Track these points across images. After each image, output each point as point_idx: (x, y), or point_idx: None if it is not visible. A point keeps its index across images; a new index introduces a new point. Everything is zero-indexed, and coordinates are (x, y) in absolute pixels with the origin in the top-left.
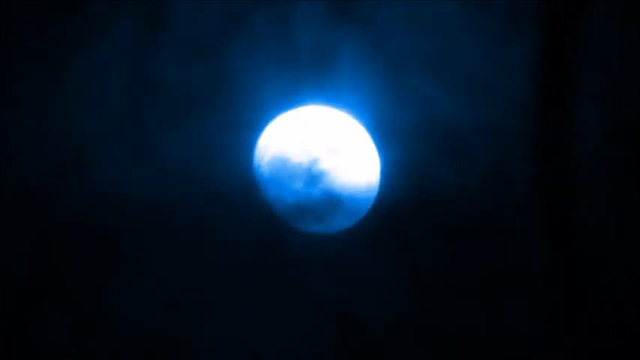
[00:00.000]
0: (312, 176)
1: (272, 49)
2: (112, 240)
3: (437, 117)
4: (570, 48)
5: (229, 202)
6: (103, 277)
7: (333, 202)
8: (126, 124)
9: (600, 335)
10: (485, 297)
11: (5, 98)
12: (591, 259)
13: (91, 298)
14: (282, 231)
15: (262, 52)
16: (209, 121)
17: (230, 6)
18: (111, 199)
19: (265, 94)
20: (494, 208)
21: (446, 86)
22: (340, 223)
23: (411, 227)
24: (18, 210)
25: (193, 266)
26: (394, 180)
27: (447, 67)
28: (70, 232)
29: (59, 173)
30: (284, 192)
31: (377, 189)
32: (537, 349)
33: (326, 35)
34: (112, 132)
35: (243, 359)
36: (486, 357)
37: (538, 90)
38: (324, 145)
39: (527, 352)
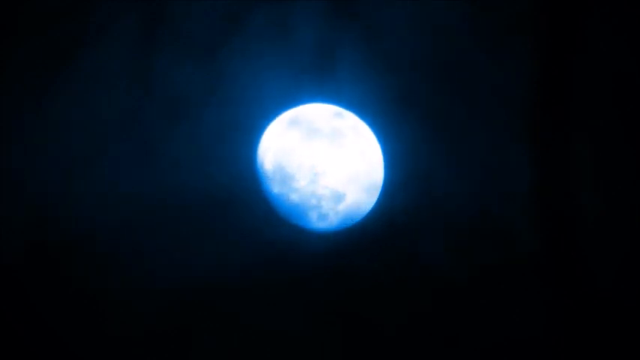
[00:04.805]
0: (314, 175)
1: (272, 48)
2: (112, 239)
3: (437, 115)
4: (570, 48)
5: (231, 202)
6: (103, 276)
7: (336, 200)
8: (126, 124)
9: (599, 334)
10: (486, 297)
11: (5, 98)
12: (591, 259)
13: (91, 297)
14: (285, 230)
15: (262, 51)
16: (210, 120)
17: (230, 6)
18: (111, 198)
19: (266, 93)
20: (495, 208)
21: (445, 86)
22: (342, 221)
23: (412, 227)
24: (18, 209)
25: (194, 265)
26: (396, 179)
27: (447, 67)
28: (71, 231)
29: (59, 172)
30: (286, 191)
31: (379, 188)
32: (537, 348)
33: (326, 35)
34: (112, 131)
35: (244, 357)
36: (487, 357)
37: (538, 90)
38: (325, 144)
39: (527, 351)
